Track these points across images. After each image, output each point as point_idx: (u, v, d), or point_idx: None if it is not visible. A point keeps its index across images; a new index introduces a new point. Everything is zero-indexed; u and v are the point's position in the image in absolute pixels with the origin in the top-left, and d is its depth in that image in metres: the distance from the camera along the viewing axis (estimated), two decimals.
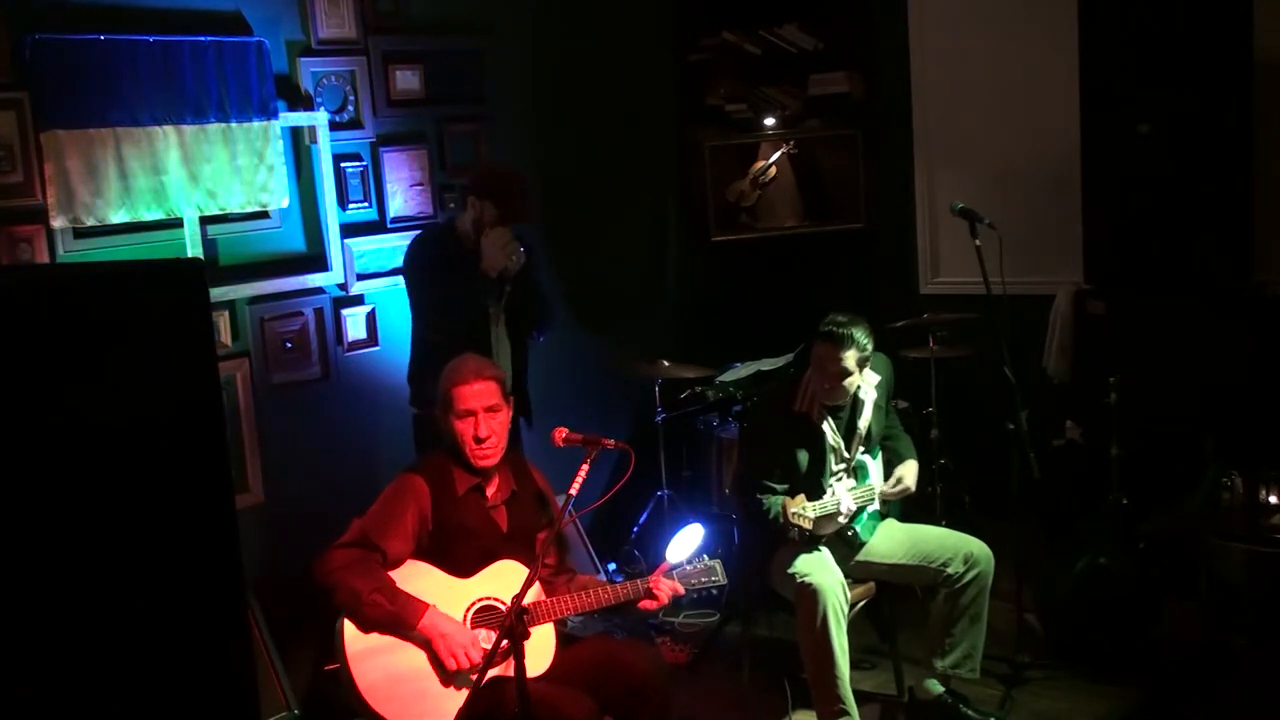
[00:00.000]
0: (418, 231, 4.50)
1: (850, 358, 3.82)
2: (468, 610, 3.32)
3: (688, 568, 3.54)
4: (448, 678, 3.21)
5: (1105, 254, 5.23)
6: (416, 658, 3.22)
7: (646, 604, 3.46)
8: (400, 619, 3.19)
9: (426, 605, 3.23)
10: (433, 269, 4.21)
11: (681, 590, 3.49)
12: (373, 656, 3.17)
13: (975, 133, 5.66)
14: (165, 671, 2.13)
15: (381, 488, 3.96)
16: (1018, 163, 5.51)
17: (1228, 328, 4.85)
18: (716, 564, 3.56)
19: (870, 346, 3.88)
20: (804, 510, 3.68)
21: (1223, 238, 4.92)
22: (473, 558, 3.38)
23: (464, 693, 3.13)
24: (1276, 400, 4.64)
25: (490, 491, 3.49)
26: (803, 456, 3.92)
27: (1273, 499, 4.13)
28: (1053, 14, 5.27)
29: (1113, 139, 5.09)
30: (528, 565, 3.36)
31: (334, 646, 3.20)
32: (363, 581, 3.18)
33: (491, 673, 3.13)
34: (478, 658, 3.17)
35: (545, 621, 3.35)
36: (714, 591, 3.59)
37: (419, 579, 3.29)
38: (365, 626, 3.19)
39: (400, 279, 4.50)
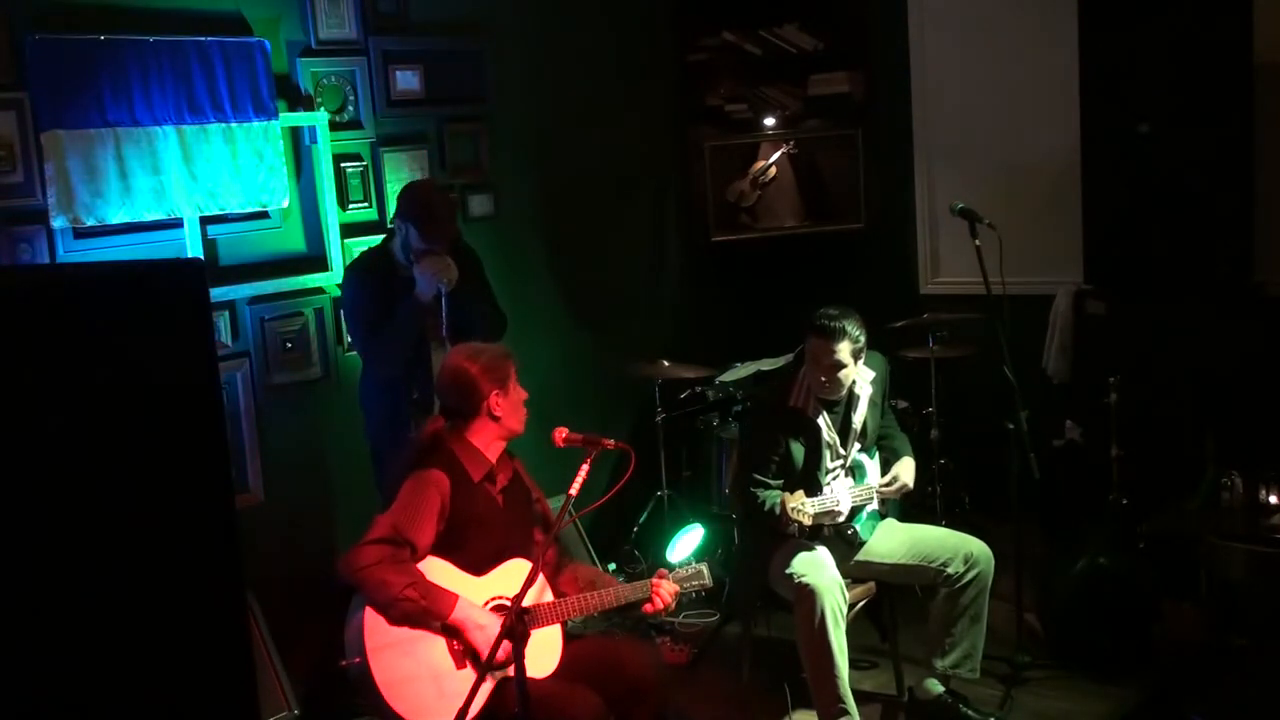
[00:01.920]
0: (353, 260, 4.35)
1: (844, 349, 3.84)
2: (481, 608, 3.33)
3: (679, 570, 3.55)
4: (463, 678, 3.20)
5: (1105, 254, 5.22)
6: (435, 657, 3.22)
7: (647, 607, 3.48)
8: (432, 613, 3.20)
9: (456, 596, 3.24)
10: (366, 303, 4.09)
11: (676, 591, 3.50)
12: (391, 653, 3.17)
13: (975, 133, 5.66)
14: (165, 671, 2.13)
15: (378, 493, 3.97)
16: (1018, 163, 5.51)
17: (1228, 328, 4.85)
18: (703, 567, 3.57)
19: (863, 337, 3.89)
20: (803, 506, 3.68)
21: (1223, 238, 4.91)
22: (484, 551, 3.38)
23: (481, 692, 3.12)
24: (1276, 400, 4.64)
25: (498, 477, 3.51)
26: (798, 451, 3.93)
27: (1273, 499, 4.13)
28: (1053, 14, 5.27)
29: (1113, 139, 5.09)
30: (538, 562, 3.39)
31: (350, 642, 3.20)
32: (395, 576, 3.19)
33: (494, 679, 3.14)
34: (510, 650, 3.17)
35: (549, 623, 3.35)
36: (701, 594, 3.60)
37: (435, 576, 3.30)
38: (395, 621, 3.20)
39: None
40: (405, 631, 3.20)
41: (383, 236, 4.34)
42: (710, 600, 4.50)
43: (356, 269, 4.24)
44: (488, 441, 3.48)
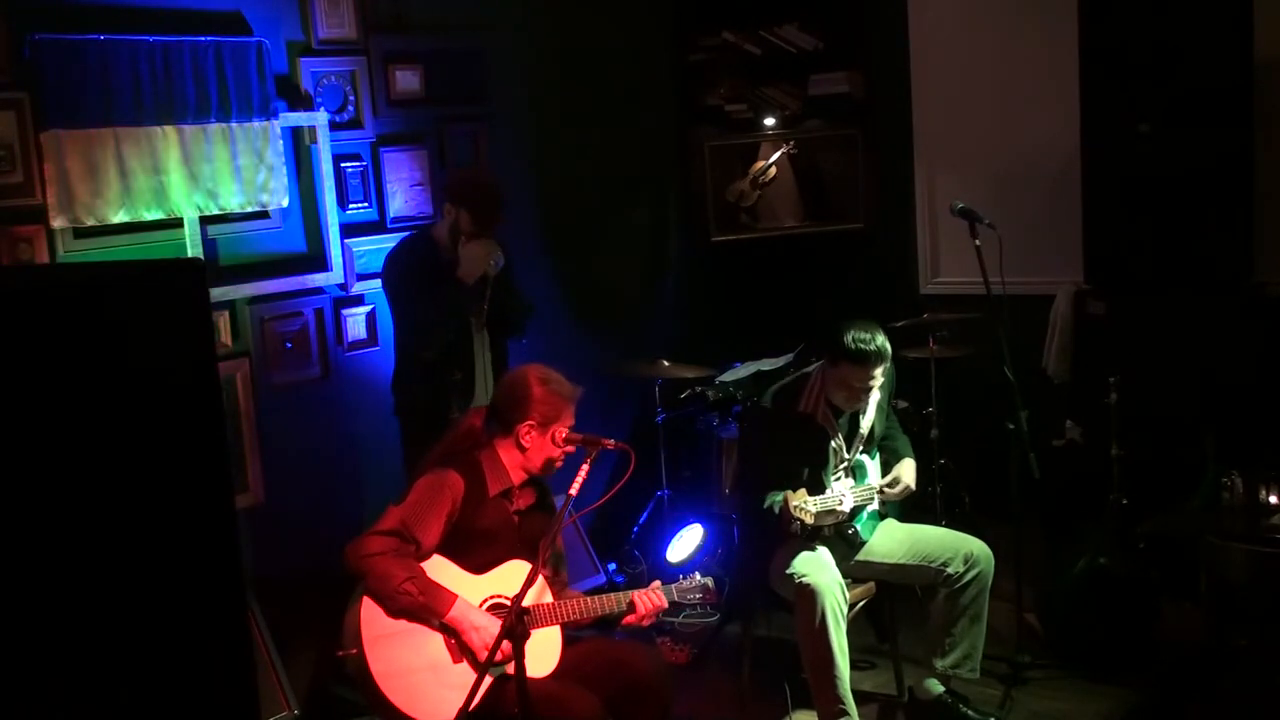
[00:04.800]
0: (395, 243, 4.42)
1: (880, 371, 3.82)
2: (479, 606, 3.33)
3: (682, 581, 3.54)
4: (460, 671, 3.21)
5: (1105, 254, 5.22)
6: (432, 649, 3.23)
7: (629, 619, 3.45)
8: (430, 609, 3.22)
9: (455, 596, 3.25)
10: (412, 283, 4.19)
11: (664, 604, 3.48)
12: (388, 644, 3.18)
13: (975, 133, 5.66)
14: (165, 672, 2.13)
15: (382, 488, 3.98)
16: (1018, 163, 5.51)
17: (1228, 328, 4.85)
18: (709, 581, 3.56)
19: (890, 349, 3.86)
20: (805, 504, 3.68)
21: (1223, 238, 4.91)
22: (486, 559, 3.39)
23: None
24: (1276, 400, 4.64)
25: (517, 497, 3.50)
26: (804, 455, 3.91)
27: (1273, 499, 4.12)
28: (1053, 14, 5.27)
29: (1113, 139, 5.09)
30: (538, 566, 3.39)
31: (348, 633, 3.21)
32: (396, 569, 3.20)
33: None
34: (508, 649, 3.17)
35: (548, 624, 3.35)
36: (706, 606, 3.57)
37: (434, 572, 3.31)
38: (394, 613, 3.21)
39: (381, 287, 4.46)
40: (403, 623, 3.22)
41: (412, 229, 4.42)
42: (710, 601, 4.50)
43: (401, 254, 4.31)
44: (513, 463, 3.46)
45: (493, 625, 3.23)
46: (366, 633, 3.17)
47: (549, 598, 3.41)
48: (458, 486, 3.36)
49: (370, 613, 3.20)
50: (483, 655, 3.17)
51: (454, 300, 4.13)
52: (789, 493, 3.72)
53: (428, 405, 4.18)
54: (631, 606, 3.44)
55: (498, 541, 3.40)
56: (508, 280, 4.32)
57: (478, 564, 3.37)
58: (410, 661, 3.19)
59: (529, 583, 3.01)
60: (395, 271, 4.30)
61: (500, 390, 3.55)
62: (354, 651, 3.16)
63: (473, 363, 4.22)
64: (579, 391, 3.51)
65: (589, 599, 3.44)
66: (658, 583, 3.53)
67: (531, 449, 3.44)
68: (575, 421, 3.47)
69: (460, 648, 3.25)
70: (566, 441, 3.41)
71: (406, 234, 4.46)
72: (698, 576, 3.56)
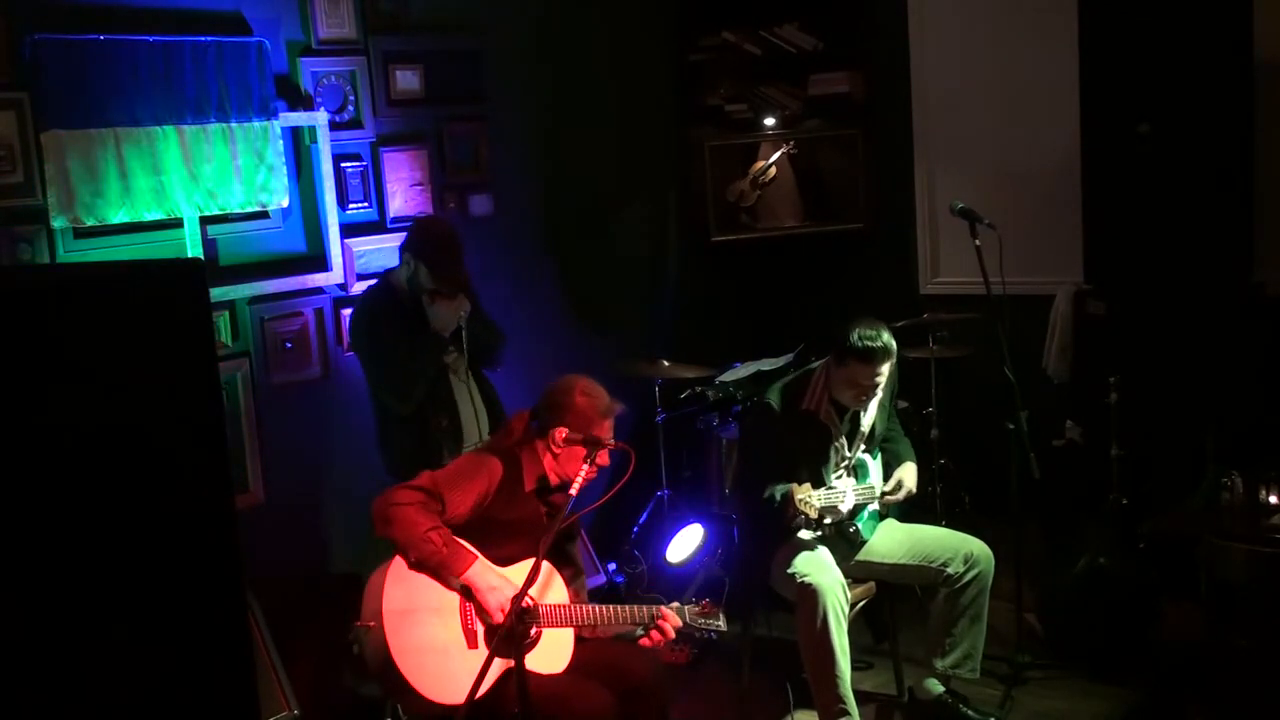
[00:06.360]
0: (358, 301, 4.35)
1: (887, 367, 3.82)
2: (497, 572, 3.34)
3: (693, 607, 3.52)
4: (474, 657, 3.21)
5: (1105, 254, 5.23)
6: (449, 633, 3.24)
7: (643, 641, 3.43)
8: (448, 563, 3.23)
9: (475, 555, 3.27)
10: (382, 337, 4.09)
11: (679, 623, 3.45)
12: (407, 620, 3.20)
13: (975, 133, 5.66)
14: (165, 672, 2.13)
15: (382, 489, 3.98)
16: (1018, 163, 5.51)
17: (1228, 328, 4.85)
18: (720, 612, 3.52)
19: (895, 346, 3.87)
20: (809, 498, 3.68)
21: (1223, 238, 4.92)
22: (510, 553, 3.39)
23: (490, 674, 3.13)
24: (1276, 400, 4.64)
25: (551, 497, 3.51)
26: (806, 453, 3.91)
27: (1273, 499, 4.12)
28: (1053, 14, 5.28)
29: (1113, 139, 5.10)
30: (558, 570, 3.43)
31: (367, 606, 3.22)
32: (422, 518, 3.22)
33: (501, 666, 3.14)
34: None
35: (556, 625, 3.35)
36: (712, 635, 3.55)
37: None
38: (413, 563, 3.23)
39: (352, 341, 4.42)
40: (421, 601, 3.23)
41: (380, 273, 4.35)
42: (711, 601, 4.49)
43: (366, 311, 4.21)
44: (549, 465, 3.49)
45: (508, 588, 3.23)
46: (388, 607, 3.19)
47: (565, 598, 3.41)
48: (496, 471, 3.38)
49: (393, 588, 3.21)
50: (497, 618, 3.18)
51: (430, 350, 4.08)
52: (794, 485, 3.72)
53: (417, 457, 4.05)
54: (648, 631, 3.42)
55: (523, 536, 3.40)
56: (479, 314, 4.24)
57: (501, 556, 3.37)
58: (427, 641, 3.21)
59: (530, 581, 3.02)
60: (364, 329, 4.21)
61: (545, 391, 3.58)
62: (372, 624, 3.18)
63: (457, 407, 4.16)
64: (616, 408, 3.52)
65: (604, 609, 3.42)
66: (676, 604, 3.51)
67: (561, 455, 3.46)
68: (611, 434, 3.47)
69: (476, 612, 3.26)
70: (566, 441, 3.41)
71: (366, 289, 4.35)
72: (711, 603, 3.52)
